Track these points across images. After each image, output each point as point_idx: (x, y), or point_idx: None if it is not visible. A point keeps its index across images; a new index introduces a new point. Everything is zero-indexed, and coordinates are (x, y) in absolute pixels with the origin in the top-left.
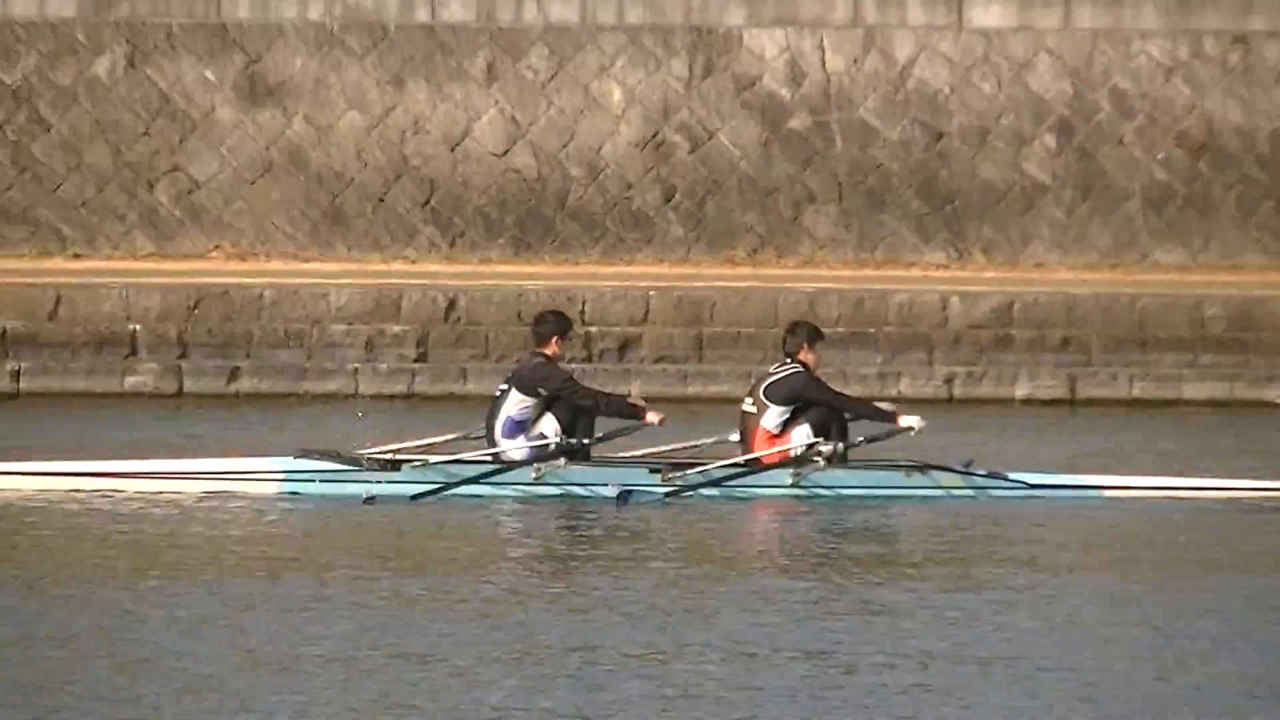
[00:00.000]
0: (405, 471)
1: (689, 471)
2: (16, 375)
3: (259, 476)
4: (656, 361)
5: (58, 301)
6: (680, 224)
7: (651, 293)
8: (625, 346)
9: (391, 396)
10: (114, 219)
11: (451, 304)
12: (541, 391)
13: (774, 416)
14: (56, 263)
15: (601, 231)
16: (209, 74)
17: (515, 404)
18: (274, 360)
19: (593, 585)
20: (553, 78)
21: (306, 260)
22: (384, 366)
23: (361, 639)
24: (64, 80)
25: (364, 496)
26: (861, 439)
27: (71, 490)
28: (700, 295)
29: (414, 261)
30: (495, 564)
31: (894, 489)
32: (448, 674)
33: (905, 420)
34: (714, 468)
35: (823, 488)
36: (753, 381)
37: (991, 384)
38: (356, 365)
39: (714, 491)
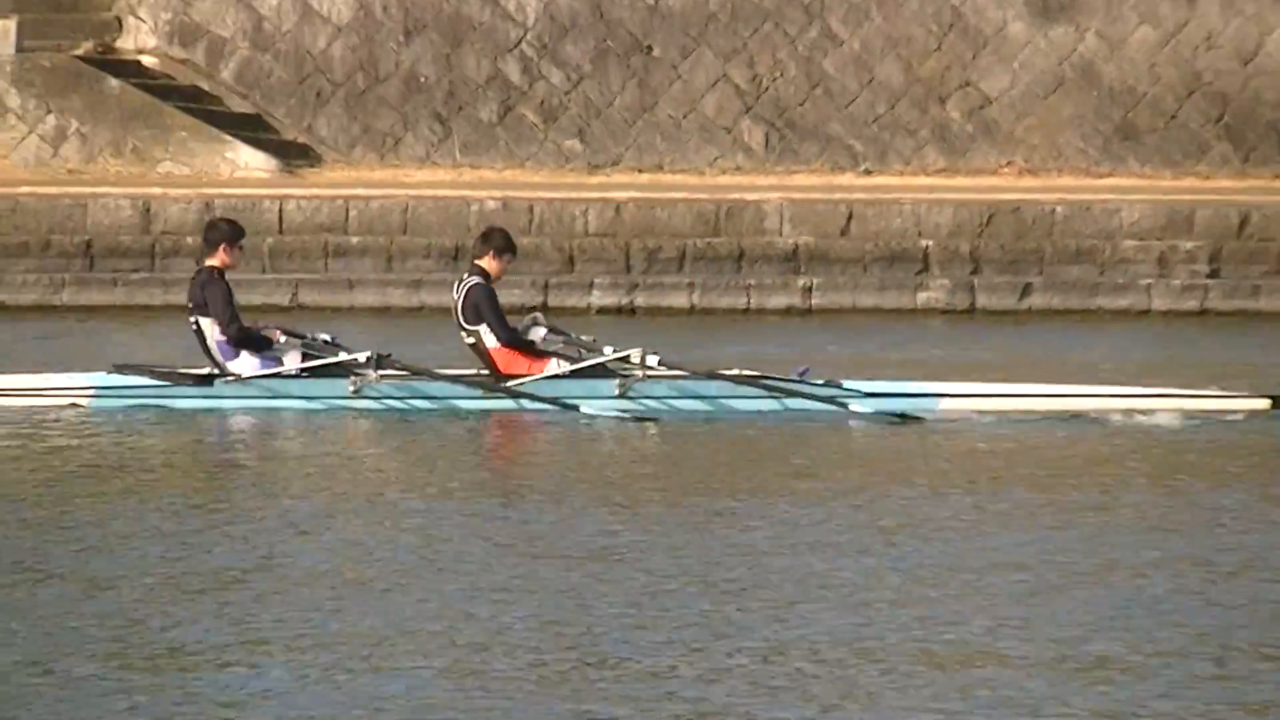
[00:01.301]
0: (217, 386)
1: (520, 382)
2: (808, 291)
3: (67, 393)
4: None
5: (849, 218)
6: None
7: None
8: None
9: (1184, 313)
10: (905, 135)
11: (1244, 220)
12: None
13: (487, 335)
14: (847, 179)
15: None
16: None
17: (213, 328)
18: (1066, 276)
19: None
20: None
21: (1098, 176)
22: (1176, 283)
23: None
24: None
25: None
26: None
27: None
28: None
29: (1206, 177)
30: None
31: (728, 399)
32: None
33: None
34: (543, 379)
35: (650, 398)
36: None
37: None
38: (1149, 281)
39: (544, 406)
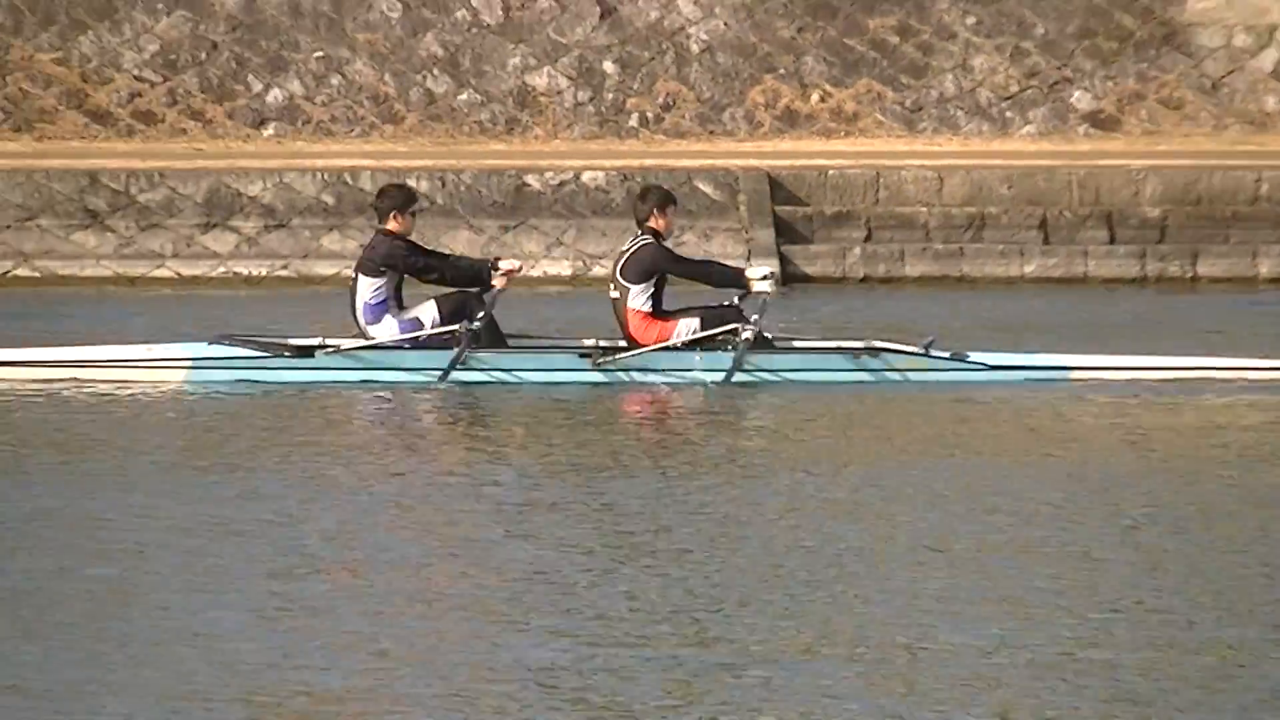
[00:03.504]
0: (318, 358)
1: (620, 356)
2: None
3: (165, 364)
4: None
5: None
6: None
7: None
8: None
9: None
10: None
11: None
12: (384, 269)
13: (638, 295)
14: None
15: None
16: None
17: (367, 288)
18: None
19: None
20: None
21: None
22: None
23: None
24: None
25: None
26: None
27: None
28: None
29: None
30: None
31: (843, 371)
32: None
33: (757, 285)
34: (647, 351)
35: (766, 371)
36: (612, 263)
37: None
38: None
39: (653, 377)
